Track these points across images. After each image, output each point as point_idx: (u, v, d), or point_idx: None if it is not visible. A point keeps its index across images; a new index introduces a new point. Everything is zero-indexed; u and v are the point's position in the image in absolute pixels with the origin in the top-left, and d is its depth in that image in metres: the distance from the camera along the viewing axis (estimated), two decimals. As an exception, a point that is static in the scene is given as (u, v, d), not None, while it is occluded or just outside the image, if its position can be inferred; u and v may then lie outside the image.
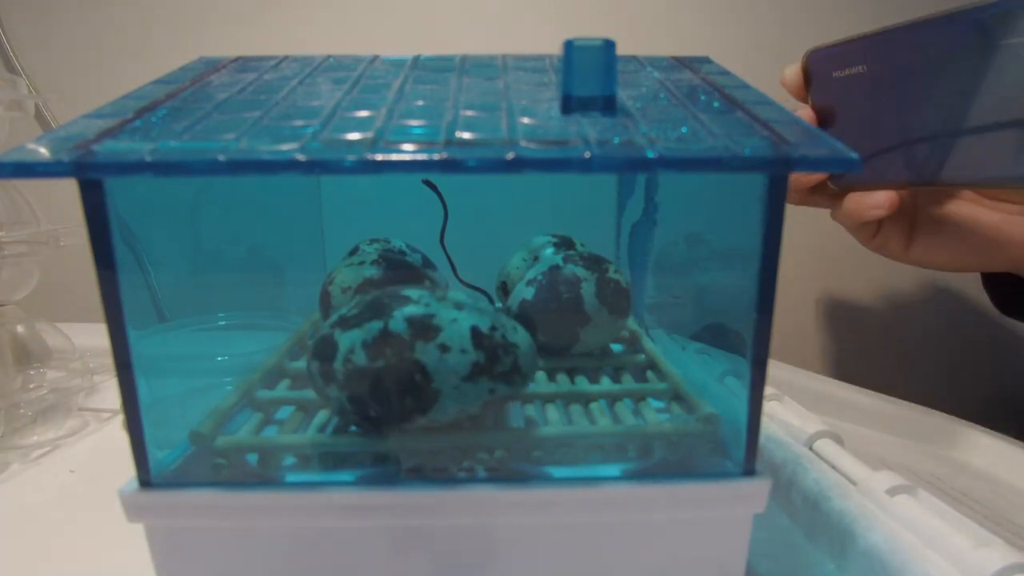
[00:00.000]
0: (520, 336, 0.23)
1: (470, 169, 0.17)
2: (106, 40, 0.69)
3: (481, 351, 0.22)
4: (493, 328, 0.22)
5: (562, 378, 0.28)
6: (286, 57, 0.28)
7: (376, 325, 0.22)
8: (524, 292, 0.29)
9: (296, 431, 0.24)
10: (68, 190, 0.19)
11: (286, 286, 0.35)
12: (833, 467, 0.30)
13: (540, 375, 0.28)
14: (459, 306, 0.22)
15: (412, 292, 0.23)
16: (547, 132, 0.19)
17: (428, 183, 0.32)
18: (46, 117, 0.59)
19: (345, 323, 0.22)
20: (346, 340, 0.22)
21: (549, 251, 0.34)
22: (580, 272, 0.29)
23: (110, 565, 0.27)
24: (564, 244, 0.35)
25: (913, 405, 0.47)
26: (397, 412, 0.22)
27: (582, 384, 0.27)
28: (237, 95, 0.23)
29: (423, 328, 0.21)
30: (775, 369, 0.49)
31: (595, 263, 0.29)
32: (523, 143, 0.18)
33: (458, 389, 0.22)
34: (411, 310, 0.22)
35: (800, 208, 0.40)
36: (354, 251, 0.35)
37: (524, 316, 0.29)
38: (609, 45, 0.21)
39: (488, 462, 0.22)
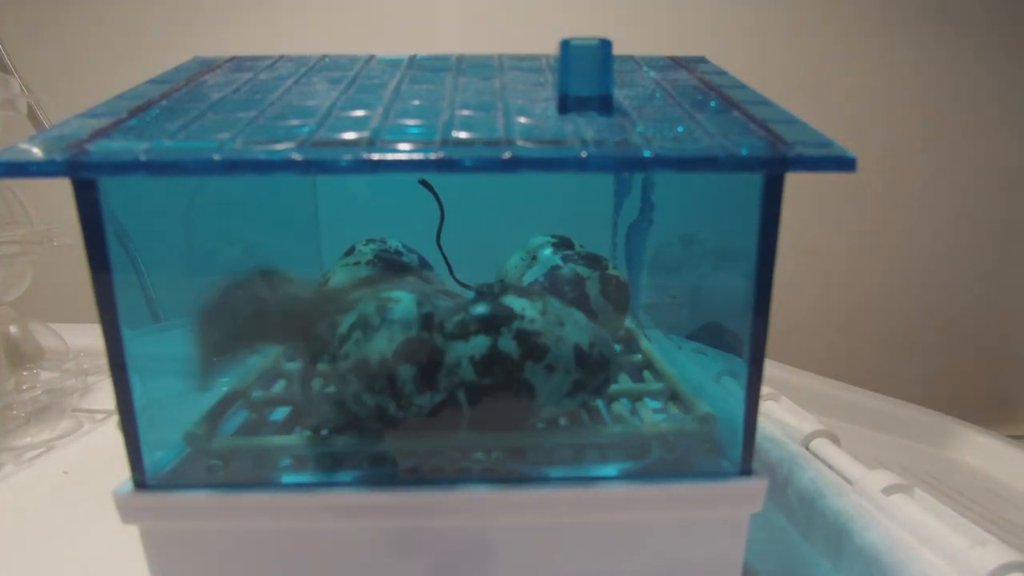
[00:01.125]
0: (611, 348, 0.23)
1: (466, 168, 0.17)
2: (99, 40, 0.69)
3: (582, 370, 0.22)
4: (592, 344, 0.22)
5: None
6: (281, 57, 0.28)
7: (481, 342, 0.21)
8: None
9: (291, 432, 0.24)
10: (62, 190, 0.18)
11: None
12: (829, 466, 0.30)
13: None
14: (560, 322, 0.22)
15: (515, 302, 0.22)
16: (543, 132, 0.19)
17: (424, 183, 0.32)
18: (39, 116, 0.58)
19: (464, 329, 0.22)
20: (452, 351, 0.21)
21: (547, 251, 0.34)
22: (582, 271, 0.29)
23: (105, 567, 0.27)
24: (562, 244, 0.35)
25: (909, 404, 0.48)
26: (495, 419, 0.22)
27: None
28: (232, 95, 0.23)
29: (532, 348, 0.21)
30: (771, 369, 0.49)
31: (594, 261, 0.29)
32: (519, 142, 0.18)
33: (559, 405, 0.22)
34: (518, 326, 0.21)
35: (797, 208, 0.41)
36: (350, 251, 0.34)
37: None
38: (605, 45, 0.21)
39: (485, 462, 0.22)
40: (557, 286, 0.29)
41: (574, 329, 0.22)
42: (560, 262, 0.29)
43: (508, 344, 0.21)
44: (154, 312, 0.24)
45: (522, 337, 0.21)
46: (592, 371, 0.22)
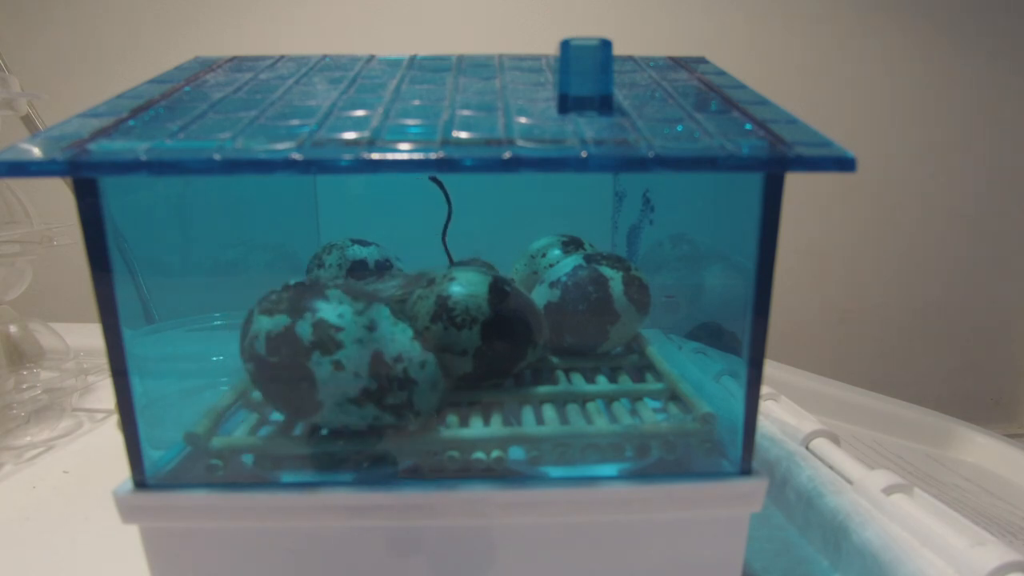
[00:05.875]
0: (426, 372, 0.22)
1: (467, 168, 0.17)
2: (99, 40, 0.69)
3: (376, 379, 0.21)
4: (398, 359, 0.22)
5: (559, 378, 0.28)
6: (282, 57, 0.28)
7: (280, 320, 0.21)
8: (548, 295, 0.29)
9: (291, 432, 0.24)
10: (62, 190, 0.18)
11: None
12: (829, 466, 0.30)
13: (537, 375, 0.28)
14: (372, 327, 0.22)
15: (334, 292, 0.22)
16: (544, 131, 0.19)
17: (435, 180, 0.32)
18: (32, 118, 0.58)
19: (263, 304, 0.22)
20: (257, 324, 0.22)
21: (556, 252, 0.34)
22: (607, 271, 0.29)
23: (105, 567, 0.27)
24: (572, 244, 0.35)
25: (909, 405, 0.48)
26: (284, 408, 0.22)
27: (579, 384, 0.27)
28: (233, 94, 0.23)
29: (324, 340, 0.21)
30: (771, 369, 0.49)
31: (618, 261, 0.30)
32: (520, 142, 0.18)
33: (341, 407, 0.21)
34: (324, 315, 0.21)
35: (797, 208, 0.41)
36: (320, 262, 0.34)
37: (549, 318, 0.29)
38: (605, 45, 0.21)
39: (485, 462, 0.22)
40: (581, 285, 0.29)
41: (383, 338, 0.22)
42: (584, 262, 0.29)
43: (304, 329, 0.21)
44: (148, 312, 0.24)
45: (319, 326, 0.21)
46: (388, 385, 0.22)
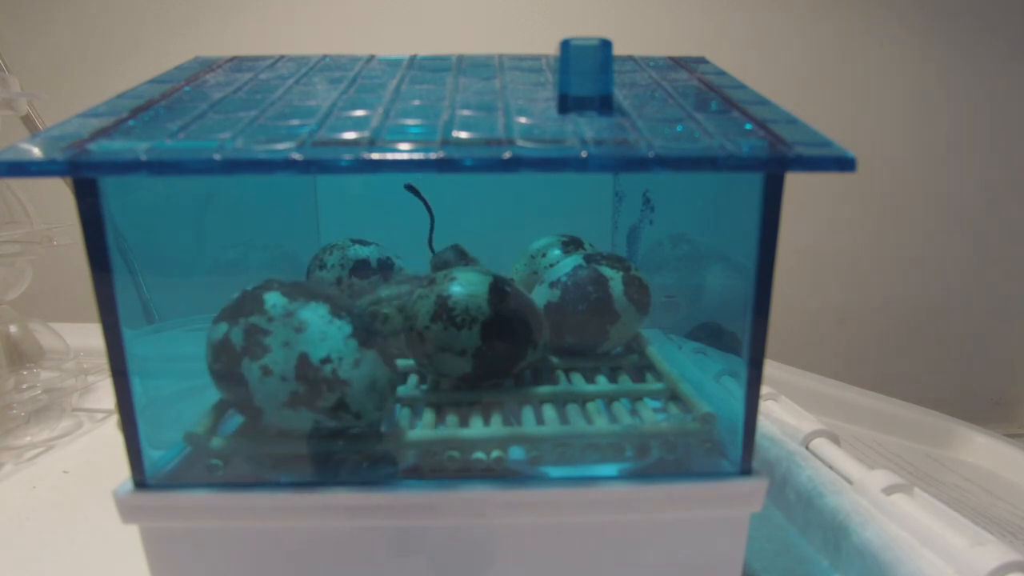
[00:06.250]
0: (361, 372, 0.21)
1: (466, 168, 0.17)
2: (92, 41, 0.69)
3: (303, 382, 0.21)
4: (326, 360, 0.21)
5: (559, 378, 0.28)
6: (282, 57, 0.28)
7: (221, 328, 0.21)
8: (548, 295, 0.29)
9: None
10: (62, 190, 0.18)
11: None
12: (829, 466, 0.30)
13: (537, 375, 0.28)
14: (300, 328, 0.21)
15: (272, 295, 0.22)
16: (544, 131, 0.19)
17: (410, 188, 0.32)
18: (32, 118, 0.58)
19: (222, 314, 0.22)
20: (209, 334, 0.22)
21: (556, 252, 0.34)
22: (606, 271, 0.29)
23: (105, 567, 0.27)
24: (572, 244, 0.35)
25: (909, 405, 0.48)
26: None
27: (579, 384, 0.27)
28: (233, 94, 0.23)
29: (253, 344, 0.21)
30: (771, 369, 0.49)
31: (617, 261, 0.30)
32: (520, 142, 0.18)
33: (279, 412, 0.21)
34: (255, 320, 0.21)
35: (796, 208, 0.41)
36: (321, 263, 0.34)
37: (550, 318, 0.29)
38: (606, 45, 0.21)
39: (485, 462, 0.22)
40: (580, 285, 0.29)
41: (311, 339, 0.21)
42: (584, 262, 0.29)
43: (237, 335, 0.21)
44: (148, 312, 0.24)
45: (249, 331, 0.21)
46: (316, 387, 0.21)
